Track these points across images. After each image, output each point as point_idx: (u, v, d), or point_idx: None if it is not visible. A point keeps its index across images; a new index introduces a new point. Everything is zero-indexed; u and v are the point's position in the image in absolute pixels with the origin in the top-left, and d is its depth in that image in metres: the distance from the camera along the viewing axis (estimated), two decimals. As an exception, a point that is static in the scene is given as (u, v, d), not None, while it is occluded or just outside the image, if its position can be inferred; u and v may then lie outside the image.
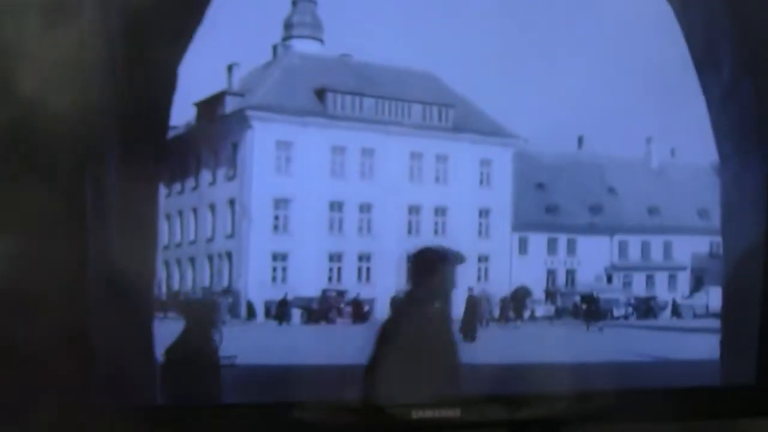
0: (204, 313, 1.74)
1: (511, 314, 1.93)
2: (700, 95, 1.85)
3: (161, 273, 1.72)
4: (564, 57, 1.86)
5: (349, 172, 1.89)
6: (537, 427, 1.88)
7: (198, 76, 1.64)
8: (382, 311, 1.92)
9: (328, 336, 1.89)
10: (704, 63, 1.85)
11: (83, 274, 1.57)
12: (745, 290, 1.92)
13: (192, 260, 1.76)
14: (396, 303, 1.78)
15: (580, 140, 2.02)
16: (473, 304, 1.89)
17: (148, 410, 1.62)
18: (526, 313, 1.97)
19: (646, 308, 2.01)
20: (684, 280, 2.09)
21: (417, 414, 1.68)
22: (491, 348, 1.87)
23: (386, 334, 1.67)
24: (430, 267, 1.57)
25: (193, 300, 1.70)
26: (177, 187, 1.74)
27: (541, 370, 1.77)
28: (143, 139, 1.60)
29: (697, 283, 2.06)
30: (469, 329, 1.81)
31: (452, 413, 1.69)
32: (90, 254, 1.56)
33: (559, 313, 2.02)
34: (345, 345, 1.76)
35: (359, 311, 1.84)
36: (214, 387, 1.66)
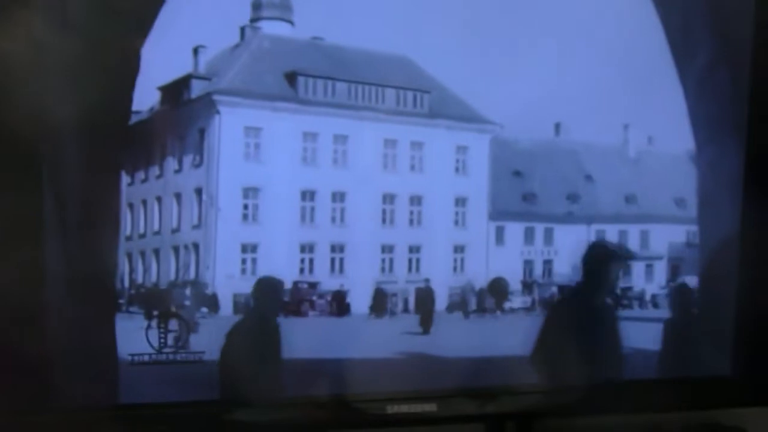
0: (272, 294, 1.69)
1: (493, 305, 1.89)
2: (678, 82, 1.84)
3: (124, 265, 1.66)
4: (541, 42, 1.82)
5: (322, 160, 1.83)
6: (513, 420, 1.88)
7: (162, 58, 1.59)
8: (357, 304, 1.88)
9: (300, 329, 1.83)
10: (681, 49, 1.84)
11: (40, 267, 1.52)
12: (721, 280, 1.92)
13: (156, 252, 1.69)
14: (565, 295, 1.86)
15: (557, 127, 1.99)
16: (424, 296, 1.87)
17: (110, 410, 1.58)
18: (506, 305, 1.94)
19: (623, 299, 1.99)
20: (661, 270, 2.07)
21: (392, 408, 1.67)
22: (467, 341, 1.84)
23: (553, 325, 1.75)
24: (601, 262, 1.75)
25: (264, 280, 1.64)
26: (140, 175, 1.67)
27: (519, 363, 1.75)
28: (104, 125, 1.54)
29: (674, 273, 2.05)
30: (426, 321, 1.79)
31: (428, 407, 1.69)
32: (47, 247, 1.51)
33: (537, 305, 1.99)
34: (321, 339, 1.73)
35: (342, 304, 1.79)
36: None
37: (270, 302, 1.69)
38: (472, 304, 1.88)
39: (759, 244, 1.84)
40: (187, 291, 1.65)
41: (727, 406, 1.96)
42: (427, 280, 1.80)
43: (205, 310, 1.67)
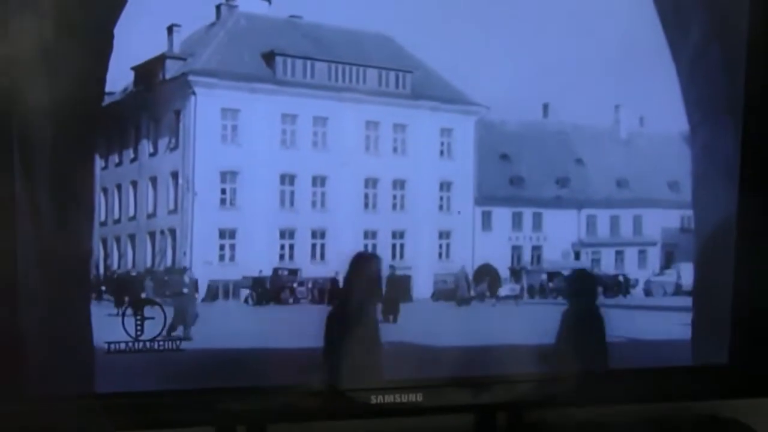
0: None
1: (487, 293, 1.86)
2: (670, 60, 1.82)
3: (99, 251, 1.63)
4: (528, 19, 1.80)
5: (301, 142, 1.79)
6: (503, 410, 1.87)
7: (136, 38, 1.56)
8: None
9: (280, 318, 1.80)
10: (673, 25, 1.83)
11: (12, 252, 1.50)
12: (717, 266, 1.90)
13: (132, 237, 1.66)
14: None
15: (546, 108, 1.95)
16: (395, 283, 1.85)
17: (85, 399, 1.56)
18: (494, 292, 1.91)
19: (614, 286, 1.96)
20: (654, 256, 2.04)
21: (377, 399, 1.65)
22: (453, 329, 1.82)
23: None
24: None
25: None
26: (114, 158, 1.64)
27: (507, 352, 1.73)
28: (76, 106, 1.52)
29: (668, 260, 2.02)
30: (392, 309, 1.77)
31: (414, 398, 1.67)
32: (19, 231, 1.49)
33: (525, 293, 1.96)
34: (302, 328, 1.71)
35: (324, 292, 1.76)
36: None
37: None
38: (465, 291, 1.85)
39: (756, 229, 1.83)
40: (167, 278, 1.62)
41: (724, 396, 1.95)
42: (392, 267, 1.77)
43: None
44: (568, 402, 1.83)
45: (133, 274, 1.60)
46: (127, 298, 1.57)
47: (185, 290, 1.66)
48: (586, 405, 1.86)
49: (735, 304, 1.83)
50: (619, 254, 1.97)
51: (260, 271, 1.73)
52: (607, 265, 1.96)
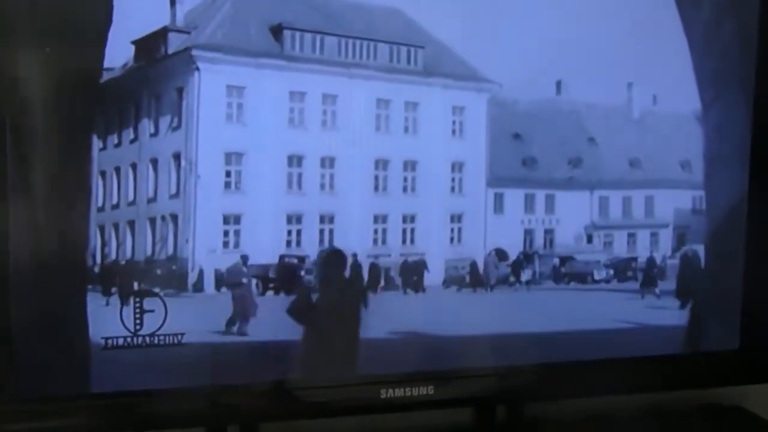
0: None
1: (511, 277, 1.82)
2: (683, 37, 1.79)
3: (95, 239, 1.55)
4: (540, -6, 1.75)
5: (309, 121, 1.71)
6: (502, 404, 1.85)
7: (137, 10, 1.48)
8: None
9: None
10: (686, 0, 1.79)
11: (5, 239, 1.43)
12: (728, 248, 1.89)
13: (131, 224, 1.57)
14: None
15: (558, 85, 1.90)
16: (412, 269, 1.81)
17: (80, 398, 1.50)
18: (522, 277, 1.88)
19: (627, 270, 1.93)
20: (666, 238, 2.01)
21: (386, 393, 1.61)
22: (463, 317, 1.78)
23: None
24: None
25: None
26: (113, 139, 1.55)
27: (515, 341, 1.70)
28: (73, 82, 1.45)
29: (680, 242, 2.00)
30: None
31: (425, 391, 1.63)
32: (12, 216, 1.41)
33: (538, 278, 1.92)
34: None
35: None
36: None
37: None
38: (488, 275, 1.81)
39: (766, 212, 1.82)
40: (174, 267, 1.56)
41: (734, 383, 1.95)
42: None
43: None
44: (569, 394, 1.82)
45: (133, 262, 1.53)
46: (125, 289, 1.51)
47: (244, 280, 1.60)
48: (589, 396, 1.85)
49: (746, 287, 1.82)
50: (631, 237, 1.94)
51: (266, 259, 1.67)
52: (620, 248, 1.94)
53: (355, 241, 1.68)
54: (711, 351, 1.88)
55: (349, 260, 1.69)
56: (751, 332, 1.90)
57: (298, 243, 1.65)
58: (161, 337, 1.54)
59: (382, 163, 1.74)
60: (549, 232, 1.90)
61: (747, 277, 1.87)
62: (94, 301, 1.49)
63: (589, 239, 1.93)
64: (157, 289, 1.54)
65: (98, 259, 1.49)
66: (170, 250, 1.55)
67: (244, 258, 1.62)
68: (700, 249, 1.88)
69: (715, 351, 1.88)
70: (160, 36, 1.54)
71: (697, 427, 1.96)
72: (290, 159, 1.66)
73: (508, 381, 1.74)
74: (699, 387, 1.97)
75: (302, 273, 1.66)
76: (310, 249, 1.65)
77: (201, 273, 1.56)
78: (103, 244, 1.50)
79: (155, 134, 1.59)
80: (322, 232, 1.68)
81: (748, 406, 2.06)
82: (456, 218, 1.82)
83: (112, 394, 1.52)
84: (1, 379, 1.47)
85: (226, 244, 1.59)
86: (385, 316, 1.68)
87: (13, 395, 1.48)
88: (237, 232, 1.61)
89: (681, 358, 1.87)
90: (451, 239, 1.80)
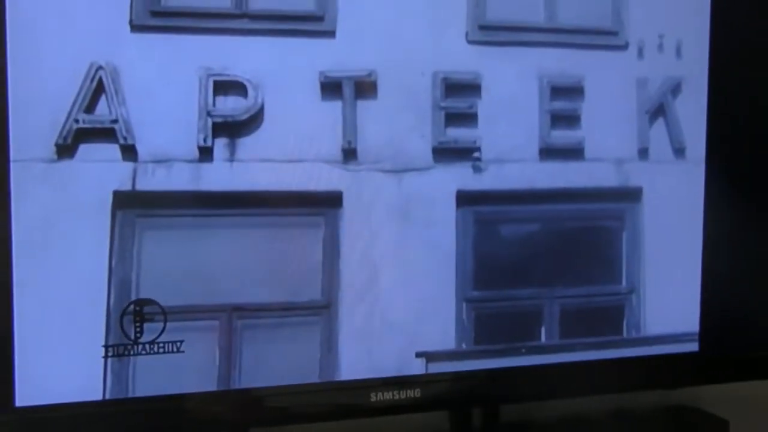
0: None
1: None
2: None
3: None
4: None
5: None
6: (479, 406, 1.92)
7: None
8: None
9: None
10: None
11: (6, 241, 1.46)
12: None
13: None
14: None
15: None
16: None
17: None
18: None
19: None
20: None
21: (376, 396, 1.67)
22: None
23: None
24: None
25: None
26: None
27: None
28: None
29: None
30: None
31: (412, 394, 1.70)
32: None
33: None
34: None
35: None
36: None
37: None
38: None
39: (724, 211, 1.89)
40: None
41: (695, 384, 2.03)
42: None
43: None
44: (543, 397, 1.89)
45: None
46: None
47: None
48: (567, 398, 1.93)
49: (704, 292, 1.89)
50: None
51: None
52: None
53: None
54: (673, 354, 1.96)
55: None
56: (710, 336, 1.98)
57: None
58: (161, 345, 1.57)
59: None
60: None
61: (705, 282, 1.95)
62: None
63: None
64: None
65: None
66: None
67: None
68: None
69: (676, 354, 1.97)
70: None
71: (660, 426, 2.06)
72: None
73: (487, 384, 1.81)
74: (661, 388, 2.06)
75: None
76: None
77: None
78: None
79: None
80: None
81: (705, 406, 2.16)
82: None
83: (108, 402, 1.57)
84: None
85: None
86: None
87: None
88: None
89: (645, 360, 1.95)
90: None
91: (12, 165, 1.46)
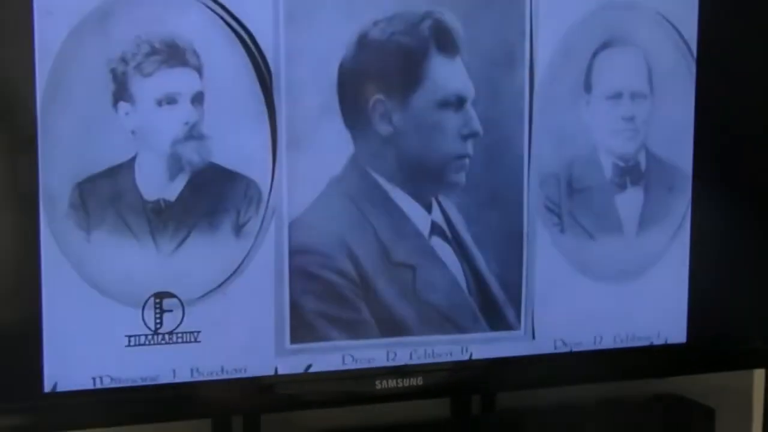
0: None
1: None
2: None
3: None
4: None
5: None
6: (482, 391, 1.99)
7: None
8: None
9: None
10: None
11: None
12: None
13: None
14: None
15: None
16: None
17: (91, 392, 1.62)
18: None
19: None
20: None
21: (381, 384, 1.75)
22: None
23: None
24: None
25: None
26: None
27: None
28: None
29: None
30: None
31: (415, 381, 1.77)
32: None
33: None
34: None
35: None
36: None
37: None
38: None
39: (711, 206, 1.94)
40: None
41: (682, 373, 2.09)
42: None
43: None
44: (533, 385, 1.96)
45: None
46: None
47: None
48: (555, 386, 2.00)
49: (692, 282, 1.96)
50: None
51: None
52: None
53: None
54: (661, 345, 2.02)
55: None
56: (697, 327, 2.04)
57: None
58: (179, 335, 1.64)
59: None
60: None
61: (693, 276, 2.00)
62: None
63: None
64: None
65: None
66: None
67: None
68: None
69: (664, 345, 2.02)
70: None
71: (648, 414, 2.12)
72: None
73: (485, 373, 1.88)
74: (650, 377, 2.12)
75: None
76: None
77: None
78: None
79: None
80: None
81: (692, 395, 2.22)
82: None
83: (123, 388, 1.64)
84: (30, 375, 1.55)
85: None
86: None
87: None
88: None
89: (635, 351, 2.01)
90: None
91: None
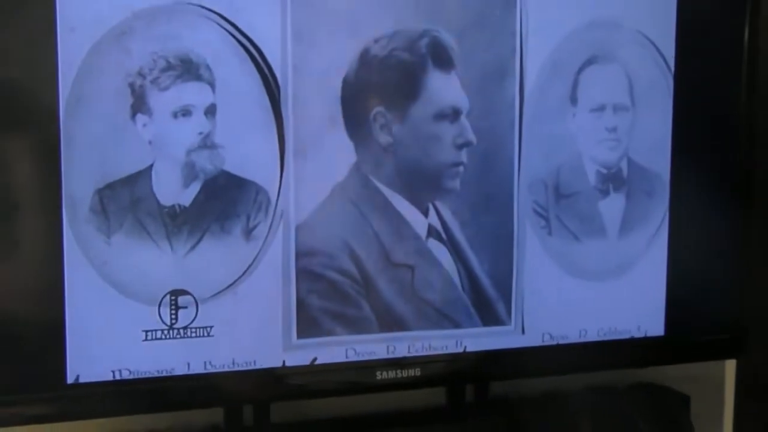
0: None
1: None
2: None
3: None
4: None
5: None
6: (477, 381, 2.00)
7: None
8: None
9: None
10: None
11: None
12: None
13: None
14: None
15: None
16: None
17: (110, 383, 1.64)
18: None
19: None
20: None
21: (381, 375, 1.76)
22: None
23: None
24: None
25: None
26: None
27: None
28: None
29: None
30: None
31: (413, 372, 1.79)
32: None
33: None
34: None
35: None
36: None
37: None
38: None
39: (689, 197, 1.95)
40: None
41: (660, 364, 2.10)
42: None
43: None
44: (523, 374, 1.98)
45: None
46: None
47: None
48: (544, 376, 2.01)
49: (670, 276, 1.97)
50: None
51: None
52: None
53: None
54: (641, 338, 2.03)
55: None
56: (674, 321, 2.05)
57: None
58: (193, 330, 1.64)
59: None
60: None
61: (670, 275, 2.01)
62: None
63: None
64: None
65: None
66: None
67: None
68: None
69: (644, 338, 2.03)
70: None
71: (629, 401, 2.13)
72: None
73: (478, 364, 1.89)
74: (631, 367, 2.14)
75: None
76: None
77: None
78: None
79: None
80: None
81: (670, 383, 2.23)
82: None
83: (140, 380, 1.66)
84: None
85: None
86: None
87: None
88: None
89: (618, 343, 2.02)
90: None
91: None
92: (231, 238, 1.62)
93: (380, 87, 1.72)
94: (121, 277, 1.58)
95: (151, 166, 1.57)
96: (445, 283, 1.79)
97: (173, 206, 1.58)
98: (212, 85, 1.63)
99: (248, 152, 1.66)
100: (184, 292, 1.63)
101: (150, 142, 1.58)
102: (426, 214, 1.77)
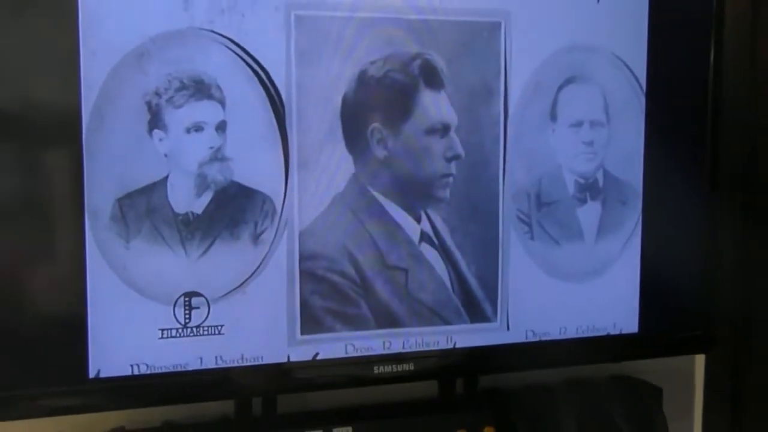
0: None
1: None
2: None
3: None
4: None
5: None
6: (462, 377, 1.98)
7: None
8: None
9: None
10: None
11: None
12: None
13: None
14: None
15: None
16: None
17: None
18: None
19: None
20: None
21: (378, 369, 1.74)
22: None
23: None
24: None
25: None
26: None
27: None
28: None
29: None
30: None
31: (408, 367, 1.76)
32: None
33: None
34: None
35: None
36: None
37: None
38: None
39: (663, 193, 1.93)
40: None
41: (635, 358, 2.08)
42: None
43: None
44: (510, 368, 1.96)
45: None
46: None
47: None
48: (528, 370, 2.00)
49: (643, 275, 1.94)
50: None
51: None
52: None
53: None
54: (617, 334, 2.01)
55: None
56: (647, 319, 2.03)
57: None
58: (205, 329, 1.62)
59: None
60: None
61: (644, 276, 1.99)
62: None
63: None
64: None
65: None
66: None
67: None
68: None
69: (620, 334, 2.01)
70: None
71: (606, 392, 2.11)
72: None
73: (468, 359, 1.86)
74: (608, 361, 2.12)
75: None
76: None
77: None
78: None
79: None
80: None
81: (644, 376, 2.21)
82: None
83: (156, 374, 1.64)
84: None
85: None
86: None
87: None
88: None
89: (595, 339, 1.99)
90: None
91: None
92: (240, 243, 1.59)
93: (377, 105, 1.74)
94: (139, 280, 1.55)
95: (167, 177, 1.54)
96: (437, 284, 1.73)
97: (187, 214, 1.55)
98: (223, 103, 1.63)
99: (256, 165, 1.63)
100: (196, 294, 1.63)
101: (165, 156, 1.54)
102: (419, 220, 1.73)
